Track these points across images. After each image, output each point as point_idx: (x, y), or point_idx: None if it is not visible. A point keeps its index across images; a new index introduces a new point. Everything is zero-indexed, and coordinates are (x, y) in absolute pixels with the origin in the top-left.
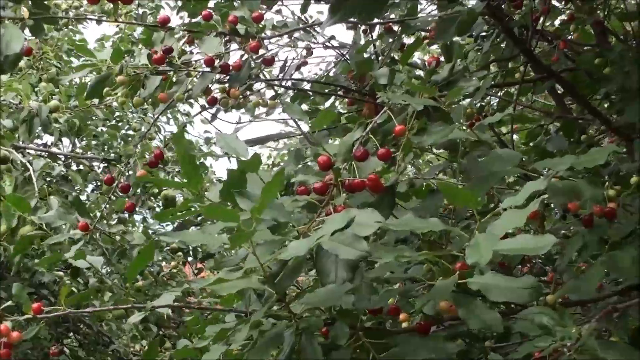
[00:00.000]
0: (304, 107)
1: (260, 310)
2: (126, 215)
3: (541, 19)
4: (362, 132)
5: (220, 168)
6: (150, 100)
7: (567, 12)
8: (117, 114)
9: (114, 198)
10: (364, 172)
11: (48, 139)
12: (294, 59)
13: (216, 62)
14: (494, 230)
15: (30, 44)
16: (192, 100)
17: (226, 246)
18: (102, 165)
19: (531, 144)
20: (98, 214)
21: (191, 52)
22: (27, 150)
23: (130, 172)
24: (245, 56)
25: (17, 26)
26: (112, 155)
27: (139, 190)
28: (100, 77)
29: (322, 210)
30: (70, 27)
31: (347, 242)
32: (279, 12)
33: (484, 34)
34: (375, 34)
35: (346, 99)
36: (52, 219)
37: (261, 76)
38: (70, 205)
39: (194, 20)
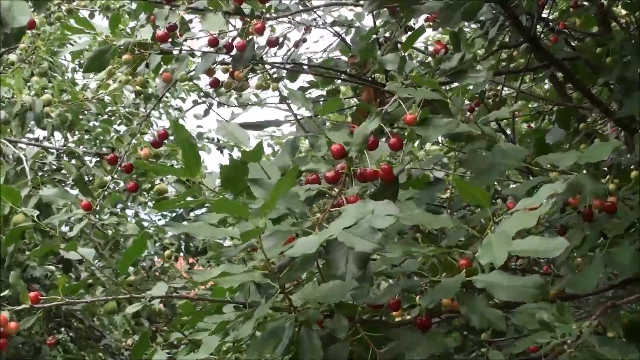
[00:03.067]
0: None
1: (265, 305)
2: (118, 210)
3: (547, 6)
4: (378, 122)
5: (212, 163)
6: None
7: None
8: (109, 108)
9: (108, 192)
10: (372, 158)
11: (40, 133)
12: (295, 43)
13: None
14: (505, 229)
15: (24, 39)
16: (184, 95)
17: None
18: (94, 159)
19: (533, 124)
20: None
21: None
22: (19, 144)
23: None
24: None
25: None
26: (105, 149)
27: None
28: (100, 49)
29: (335, 200)
30: (63, 20)
31: (362, 234)
32: None
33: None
34: (379, 21)
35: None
36: (52, 198)
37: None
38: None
39: None
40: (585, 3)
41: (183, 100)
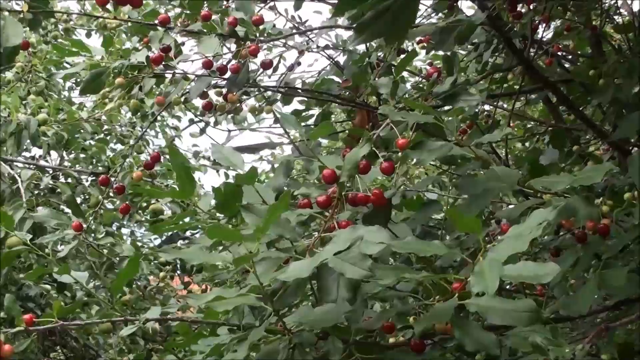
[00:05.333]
0: (296, 104)
1: (259, 328)
2: (114, 229)
3: (540, 28)
4: (369, 147)
5: (209, 182)
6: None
7: (563, 22)
8: (105, 127)
9: (103, 210)
10: (363, 182)
11: (36, 151)
12: (290, 66)
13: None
14: (496, 256)
15: (20, 57)
16: (180, 114)
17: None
18: (90, 178)
19: (527, 144)
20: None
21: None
22: (15, 163)
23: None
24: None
25: (16, 19)
26: (101, 168)
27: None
28: (96, 72)
29: (326, 224)
30: (60, 40)
31: (353, 261)
32: (272, 8)
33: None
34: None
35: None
36: (45, 218)
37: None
38: (63, 212)
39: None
40: (579, 25)
41: (179, 119)
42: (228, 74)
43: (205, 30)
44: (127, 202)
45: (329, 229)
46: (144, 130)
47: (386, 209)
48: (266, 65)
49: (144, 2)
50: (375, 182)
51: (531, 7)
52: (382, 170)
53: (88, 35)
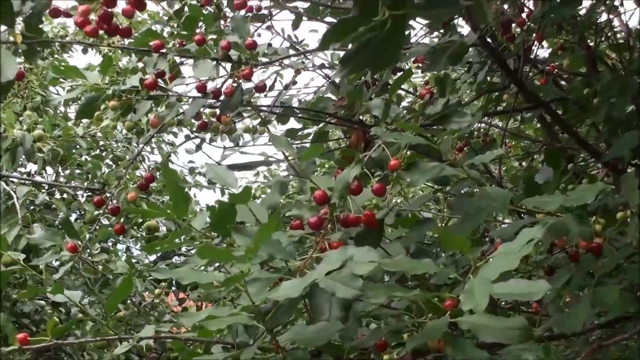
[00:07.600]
0: (293, 123)
1: (252, 347)
2: (109, 244)
3: (534, 47)
4: (360, 168)
5: (204, 199)
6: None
7: (558, 41)
8: (101, 143)
9: (99, 227)
10: (355, 203)
11: (32, 167)
12: (285, 86)
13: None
14: (487, 274)
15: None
16: (176, 130)
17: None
18: (85, 194)
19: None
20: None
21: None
22: (10, 179)
23: (117, 193)
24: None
25: (10, 51)
26: (96, 184)
27: (122, 220)
28: (91, 96)
29: (317, 245)
30: (56, 56)
31: (344, 281)
32: (269, 28)
33: (476, 63)
34: None
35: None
36: (39, 240)
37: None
38: (58, 228)
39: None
40: (574, 44)
41: (175, 135)
42: (222, 97)
43: (198, 55)
44: (121, 221)
45: (321, 250)
46: (139, 149)
47: (378, 229)
48: (260, 88)
49: (144, 13)
50: (370, 202)
51: (524, 28)
52: (374, 191)
53: (85, 51)
